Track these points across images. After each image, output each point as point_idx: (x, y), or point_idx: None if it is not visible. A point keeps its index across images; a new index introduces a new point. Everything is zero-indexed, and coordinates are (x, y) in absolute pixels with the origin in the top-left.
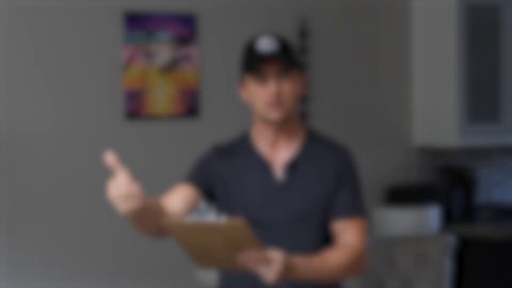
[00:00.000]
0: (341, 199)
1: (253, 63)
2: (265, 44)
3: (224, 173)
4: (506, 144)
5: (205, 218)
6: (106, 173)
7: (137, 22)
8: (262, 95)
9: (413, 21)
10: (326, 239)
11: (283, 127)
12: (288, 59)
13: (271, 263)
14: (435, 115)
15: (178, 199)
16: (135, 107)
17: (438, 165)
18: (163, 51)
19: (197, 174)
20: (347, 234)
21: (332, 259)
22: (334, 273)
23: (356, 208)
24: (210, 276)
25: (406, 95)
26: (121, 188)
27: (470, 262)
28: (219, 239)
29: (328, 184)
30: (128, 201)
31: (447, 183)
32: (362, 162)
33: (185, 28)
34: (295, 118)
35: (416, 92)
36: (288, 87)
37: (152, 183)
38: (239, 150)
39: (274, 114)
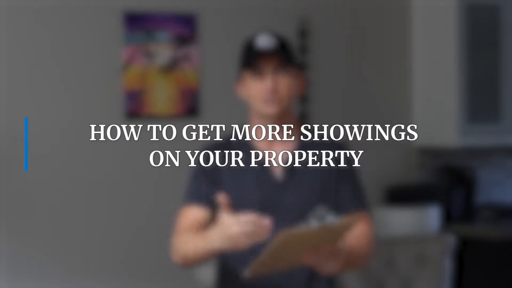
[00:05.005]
0: (344, 195)
1: (251, 59)
2: (263, 41)
3: (223, 172)
4: (506, 144)
5: (325, 221)
6: (107, 173)
7: (137, 22)
8: (258, 91)
9: (413, 21)
10: None
11: (280, 123)
12: (285, 55)
13: (338, 256)
14: (435, 115)
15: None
16: (135, 107)
17: (438, 165)
18: (163, 51)
19: (202, 188)
20: (356, 227)
21: (357, 247)
22: (358, 262)
23: (360, 202)
24: (207, 276)
25: (406, 94)
26: (249, 225)
27: (470, 262)
28: (314, 242)
29: (328, 180)
30: (255, 236)
31: (447, 183)
32: (362, 162)
33: (185, 28)
34: (292, 116)
35: (416, 92)
36: (284, 83)
37: (152, 183)
38: (236, 148)
39: (270, 109)
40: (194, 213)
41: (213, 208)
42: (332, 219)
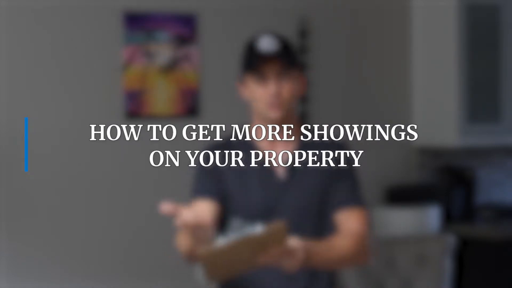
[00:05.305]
0: (340, 190)
1: (254, 62)
2: (266, 44)
3: (225, 172)
4: (506, 144)
5: (243, 232)
6: (107, 173)
7: (137, 22)
8: (262, 95)
9: (413, 21)
10: (326, 233)
11: (281, 125)
12: (288, 59)
13: (293, 253)
14: (435, 115)
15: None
16: (135, 107)
17: (438, 165)
18: (163, 51)
19: (209, 184)
20: (349, 223)
21: (339, 244)
22: (341, 259)
23: (356, 198)
24: None
25: (406, 95)
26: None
27: (470, 262)
28: (252, 249)
29: (328, 180)
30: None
31: (447, 183)
32: (362, 162)
33: (185, 28)
34: (293, 117)
35: (416, 92)
36: (287, 87)
37: (152, 183)
38: (236, 148)
39: (274, 113)
40: (198, 204)
41: (221, 199)
42: (250, 229)
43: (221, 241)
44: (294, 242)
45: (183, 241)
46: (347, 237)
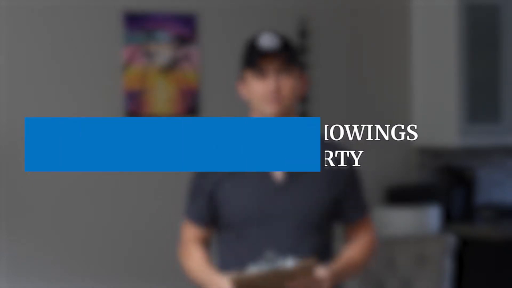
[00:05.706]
0: (352, 203)
1: (254, 58)
2: (266, 40)
3: (220, 180)
4: (506, 144)
5: (275, 264)
6: (107, 173)
7: (137, 22)
8: (261, 90)
9: (413, 21)
10: (327, 241)
11: None
12: (288, 55)
13: (320, 284)
14: (435, 115)
15: (204, 253)
16: (135, 107)
17: (438, 165)
18: (163, 51)
19: (201, 205)
20: (361, 234)
21: (356, 258)
22: (358, 270)
23: (366, 209)
24: None
25: (406, 95)
26: None
27: (470, 262)
28: (280, 280)
29: (332, 185)
30: None
31: (447, 183)
32: (362, 162)
33: (185, 28)
34: (293, 116)
35: (416, 92)
36: (287, 83)
37: (153, 183)
38: None
39: (272, 109)
40: (192, 230)
41: (210, 223)
42: (282, 262)
43: (253, 270)
44: (322, 272)
45: (195, 272)
46: (362, 248)
